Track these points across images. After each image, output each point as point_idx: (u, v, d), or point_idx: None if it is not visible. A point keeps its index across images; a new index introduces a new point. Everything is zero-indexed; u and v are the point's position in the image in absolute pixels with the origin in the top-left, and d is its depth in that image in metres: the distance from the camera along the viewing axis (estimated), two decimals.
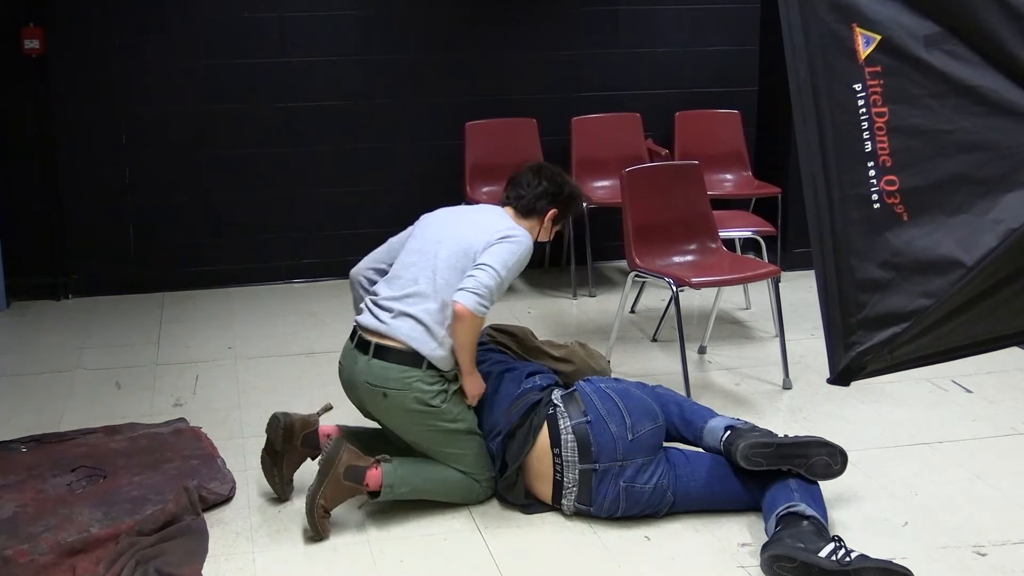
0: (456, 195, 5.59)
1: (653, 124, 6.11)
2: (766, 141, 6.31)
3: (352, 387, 3.33)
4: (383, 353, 3.21)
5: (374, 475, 3.21)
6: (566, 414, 3.22)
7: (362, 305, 3.40)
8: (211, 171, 5.75)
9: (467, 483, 3.32)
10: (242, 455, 3.78)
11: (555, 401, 3.26)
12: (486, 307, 3.16)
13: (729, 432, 3.24)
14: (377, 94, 5.87)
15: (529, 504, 3.31)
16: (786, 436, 3.22)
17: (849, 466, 3.25)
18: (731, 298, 5.51)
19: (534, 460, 3.25)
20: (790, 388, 4.39)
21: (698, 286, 4.34)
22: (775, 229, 5.29)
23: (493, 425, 3.34)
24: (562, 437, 3.20)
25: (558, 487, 3.23)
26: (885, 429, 4.00)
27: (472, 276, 3.18)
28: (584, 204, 5.66)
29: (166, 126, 5.65)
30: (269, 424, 3.39)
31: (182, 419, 4.02)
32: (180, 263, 5.81)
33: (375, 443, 3.44)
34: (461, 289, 3.15)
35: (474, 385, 3.31)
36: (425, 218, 3.48)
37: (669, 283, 4.28)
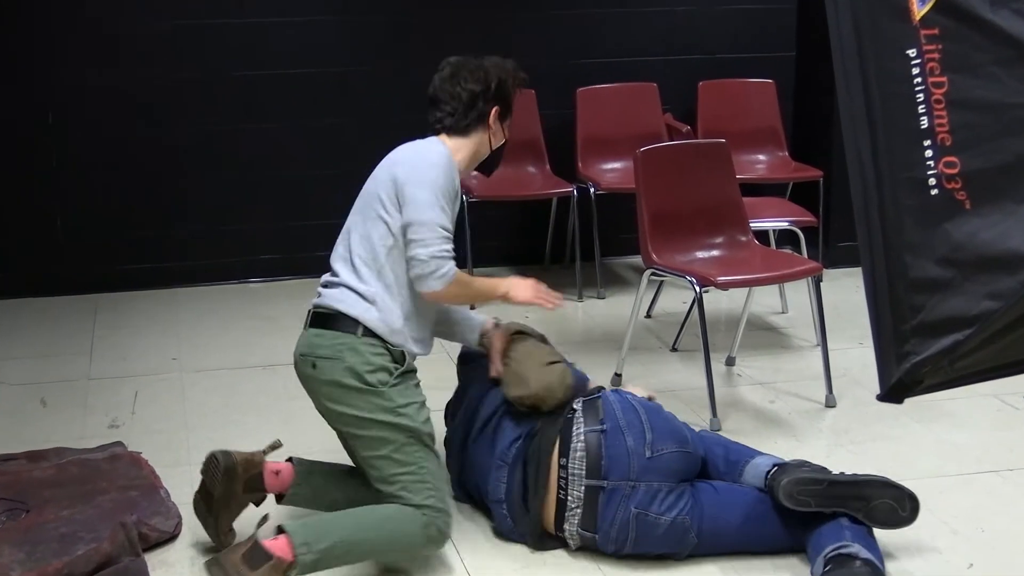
0: None
1: (672, 96, 6.12)
2: (805, 116, 6.32)
3: (298, 376, 3.33)
4: (317, 321, 3.27)
5: (279, 544, 3.00)
6: (581, 419, 3.25)
7: None
8: (154, 152, 5.75)
9: (408, 519, 3.12)
10: (189, 485, 3.76)
11: (574, 405, 3.30)
12: (448, 265, 3.14)
13: (775, 468, 3.26)
14: (352, 60, 5.87)
15: (539, 536, 3.32)
16: (843, 473, 3.22)
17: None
18: (764, 300, 5.52)
19: (551, 461, 3.30)
20: (834, 406, 4.40)
21: (725, 286, 4.33)
22: (816, 219, 5.29)
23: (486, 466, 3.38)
24: (572, 444, 3.22)
25: (561, 507, 3.24)
26: (946, 454, 4.01)
27: (411, 256, 3.15)
28: (591, 189, 5.67)
29: (100, 100, 5.65)
30: (206, 465, 3.32)
31: (119, 443, 4.02)
32: (117, 259, 5.81)
33: (338, 484, 3.40)
34: (413, 274, 3.16)
35: (519, 287, 3.38)
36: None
37: (691, 283, 4.28)
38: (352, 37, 5.85)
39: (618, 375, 4.55)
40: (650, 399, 3.51)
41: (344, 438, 3.37)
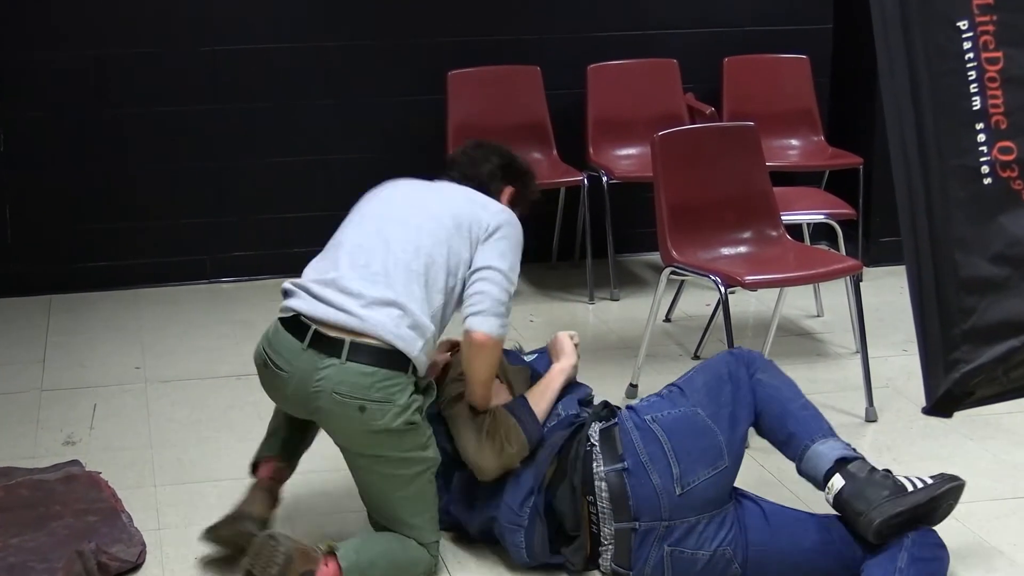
0: (436, 166, 5.59)
1: (694, 73, 6.11)
2: (844, 96, 6.30)
3: (301, 400, 3.27)
4: (359, 354, 3.18)
5: (328, 574, 3.15)
6: (600, 456, 3.26)
7: (292, 286, 3.36)
8: (114, 137, 5.75)
9: (418, 553, 3.31)
10: (154, 509, 3.78)
11: (591, 438, 3.30)
12: (506, 328, 3.27)
13: (840, 477, 3.21)
14: (332, 35, 5.87)
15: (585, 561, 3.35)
16: (914, 484, 3.22)
17: (957, 525, 3.26)
18: (797, 302, 5.51)
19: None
20: (875, 420, 4.39)
21: (754, 286, 4.32)
22: (855, 212, 5.28)
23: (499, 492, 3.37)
24: (595, 484, 3.24)
25: (595, 540, 3.29)
26: (1002, 475, 3.99)
27: (480, 291, 3.25)
28: (604, 178, 5.67)
29: (54, 78, 5.65)
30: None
31: (75, 462, 4.02)
32: (73, 257, 5.81)
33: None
34: (473, 310, 3.23)
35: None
36: (371, 196, 3.52)
37: (716, 282, 4.27)
38: (334, 10, 5.84)
39: (633, 386, 4.55)
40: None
41: (362, 474, 3.32)
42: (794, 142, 6.05)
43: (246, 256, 5.96)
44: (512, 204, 3.54)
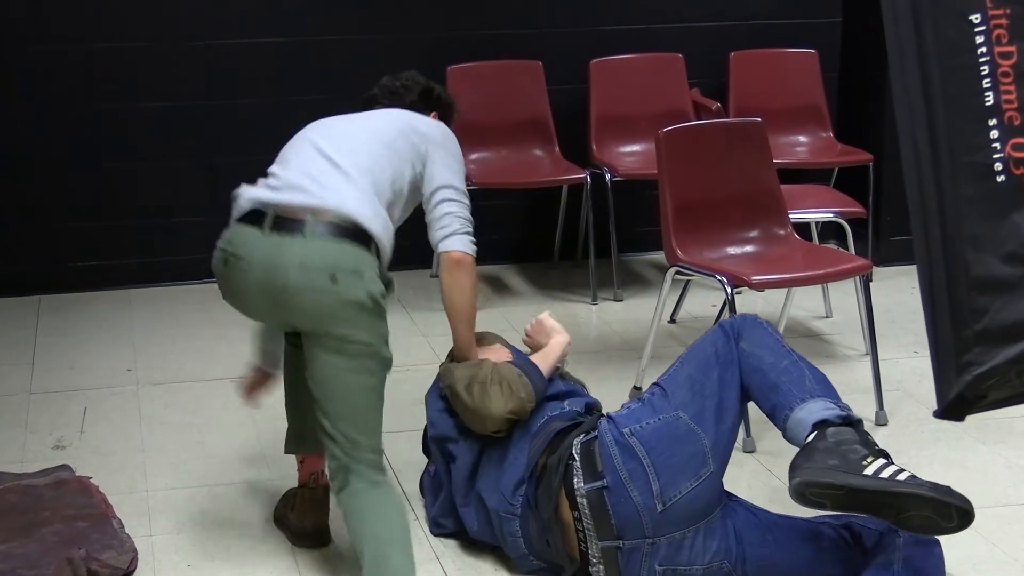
0: None
1: (700, 68, 6.11)
2: (853, 91, 6.30)
3: (266, 286, 3.22)
4: (322, 229, 3.21)
5: None
6: (580, 472, 3.24)
7: (241, 191, 3.40)
8: (103, 132, 5.74)
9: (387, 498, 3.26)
10: (146, 515, 3.78)
11: (573, 451, 3.28)
12: (475, 245, 3.44)
13: (812, 436, 3.09)
14: (330, 29, 5.87)
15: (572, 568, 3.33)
16: (883, 471, 3.01)
17: (968, 530, 3.20)
18: (805, 303, 5.52)
19: (563, 509, 3.29)
20: (885, 424, 4.40)
21: (761, 286, 4.33)
22: (865, 210, 5.28)
23: (495, 485, 3.38)
24: (577, 501, 3.23)
25: (584, 559, 3.27)
26: (1017, 480, 4.00)
27: (447, 213, 3.43)
28: (607, 175, 5.67)
29: (44, 72, 5.65)
30: None
31: (65, 466, 4.02)
32: (62, 256, 5.81)
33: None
34: (445, 232, 3.40)
35: (492, 351, 3.53)
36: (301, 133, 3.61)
37: (722, 283, 4.28)
38: (332, 4, 5.84)
39: (637, 388, 4.55)
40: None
41: (322, 369, 3.24)
42: (802, 138, 6.06)
43: None
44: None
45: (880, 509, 2.97)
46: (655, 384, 3.35)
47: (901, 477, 2.98)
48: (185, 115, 5.78)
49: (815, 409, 3.15)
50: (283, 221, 3.23)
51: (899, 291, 5.67)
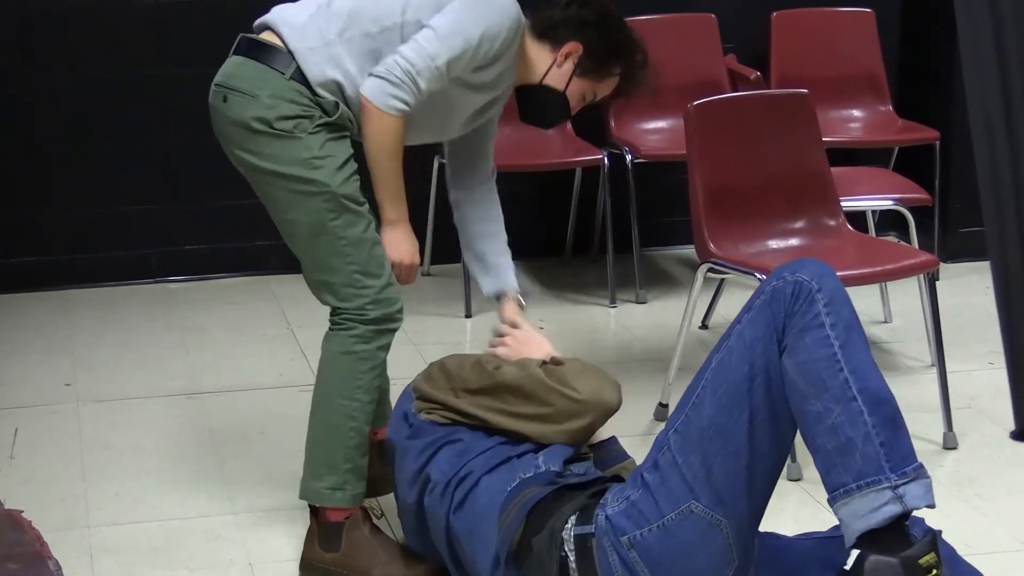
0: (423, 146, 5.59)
1: (736, 31, 6.13)
2: (916, 58, 6.30)
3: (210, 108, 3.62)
4: (243, 46, 3.59)
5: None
6: (577, 574, 3.06)
7: None
8: (40, 107, 5.75)
9: (345, 369, 3.55)
10: (87, 554, 3.77)
11: (565, 544, 3.08)
12: (403, 101, 3.42)
13: (852, 564, 2.87)
14: None
15: None
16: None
17: None
18: (861, 306, 5.31)
19: None
20: (955, 447, 4.38)
21: None
22: (930, 197, 5.29)
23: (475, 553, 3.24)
24: None
25: None
26: None
27: (398, 51, 3.45)
28: (628, 156, 5.65)
29: None
30: None
31: None
32: None
33: None
34: (378, 72, 3.44)
35: (399, 239, 3.55)
36: None
37: (762, 280, 4.25)
38: None
39: (663, 406, 4.53)
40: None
41: (257, 190, 3.60)
42: (856, 113, 6.07)
43: (199, 251, 5.95)
44: (576, 69, 3.65)
45: None
46: (663, 439, 3.06)
47: None
48: (134, 88, 5.79)
49: (861, 511, 2.86)
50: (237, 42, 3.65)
51: (970, 291, 5.67)
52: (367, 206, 3.52)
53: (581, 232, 6.17)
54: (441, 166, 5.68)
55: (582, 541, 3.05)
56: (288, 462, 3.70)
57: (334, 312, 3.54)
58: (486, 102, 3.67)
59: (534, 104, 3.75)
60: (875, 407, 2.89)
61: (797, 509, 3.98)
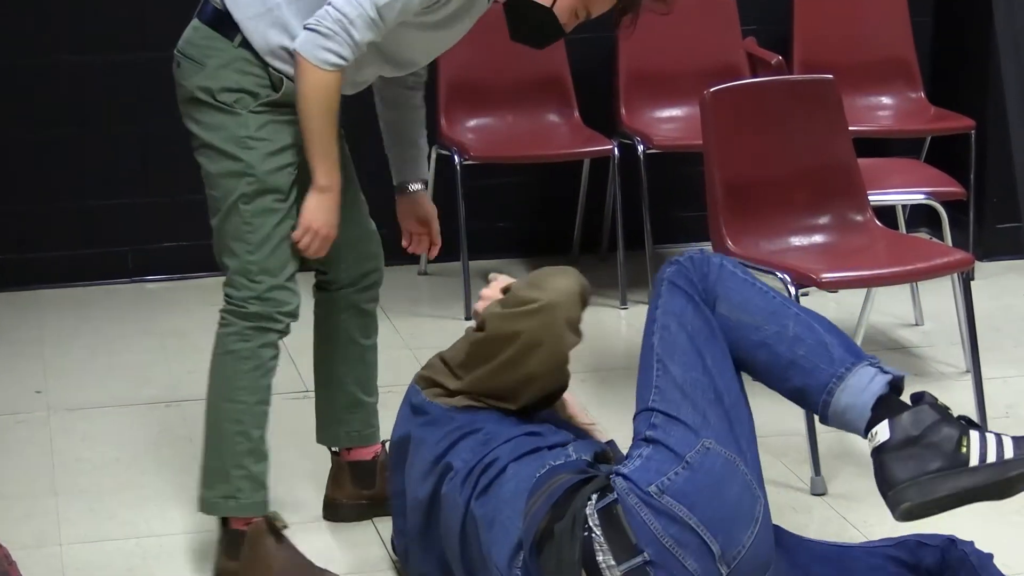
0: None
1: (756, 12, 6.15)
2: (950, 41, 6.29)
3: None
4: (201, 10, 3.64)
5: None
6: (606, 546, 3.09)
7: None
8: (8, 93, 5.75)
9: (220, 360, 3.69)
10: (59, 573, 3.78)
11: (589, 520, 3.13)
12: (336, 54, 3.42)
13: (887, 430, 3.09)
14: None
15: None
16: (992, 456, 3.08)
17: None
18: (890, 307, 5.51)
19: None
20: None
21: (833, 286, 4.34)
22: (964, 191, 5.28)
23: (492, 545, 3.23)
24: None
25: None
26: None
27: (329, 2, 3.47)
28: (640, 147, 5.65)
29: None
30: None
31: None
32: None
33: None
34: (311, 26, 3.45)
35: (321, 206, 3.56)
36: None
37: (784, 281, 4.26)
38: None
39: None
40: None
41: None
42: (885, 100, 6.07)
43: (178, 248, 5.96)
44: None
45: (990, 496, 3.10)
46: (646, 410, 3.20)
47: (1007, 452, 3.07)
48: (110, 73, 5.78)
49: (861, 385, 3.15)
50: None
51: (1007, 292, 5.69)
52: (292, 202, 3.58)
53: (589, 228, 6.18)
54: (437, 158, 5.73)
55: (607, 512, 3.10)
56: (274, 474, 3.69)
57: (225, 285, 3.64)
58: (462, 34, 3.66)
59: (526, 21, 3.63)
60: (817, 316, 3.26)
61: (822, 526, 3.99)
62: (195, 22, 3.61)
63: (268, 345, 3.62)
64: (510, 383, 3.38)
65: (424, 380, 3.50)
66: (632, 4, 3.76)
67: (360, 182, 3.87)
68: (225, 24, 3.53)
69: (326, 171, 3.53)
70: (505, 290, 3.46)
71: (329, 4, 3.41)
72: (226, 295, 3.63)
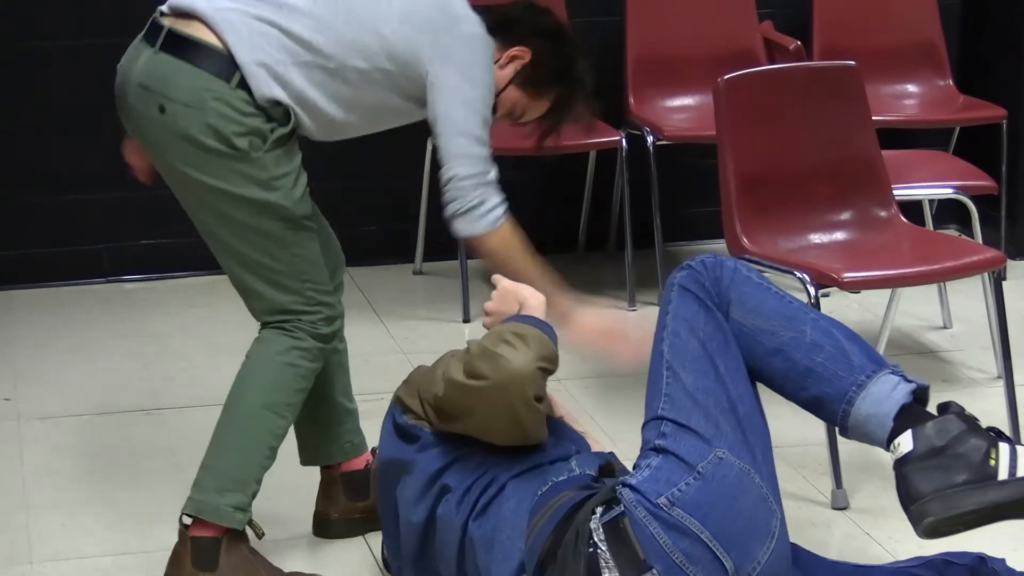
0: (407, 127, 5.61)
1: None
2: (980, 25, 6.32)
3: (122, 99, 3.63)
4: (179, 46, 3.51)
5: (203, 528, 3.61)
6: (612, 563, 3.09)
7: None
8: None
9: (280, 368, 3.64)
10: None
11: (594, 535, 3.13)
12: (494, 208, 3.62)
13: (910, 440, 3.10)
14: None
15: None
16: (1012, 467, 3.08)
17: None
18: (916, 309, 5.52)
19: None
20: None
21: (856, 286, 4.44)
22: (996, 184, 5.29)
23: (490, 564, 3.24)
24: None
25: None
26: None
27: (448, 178, 3.57)
28: (649, 138, 5.60)
29: None
30: None
31: None
32: None
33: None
34: (450, 212, 3.56)
35: (594, 320, 3.73)
36: None
37: (803, 281, 4.25)
38: None
39: None
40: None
41: (189, 204, 3.69)
42: (911, 88, 6.11)
43: (157, 246, 5.96)
44: (515, 77, 3.73)
45: (1019, 512, 3.07)
46: (656, 418, 3.24)
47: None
48: (86, 59, 5.75)
49: (883, 393, 3.18)
50: (152, 27, 3.59)
51: None
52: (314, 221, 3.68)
53: (595, 224, 6.20)
54: (434, 149, 5.68)
55: (613, 525, 3.11)
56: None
57: (284, 313, 3.61)
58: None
59: None
60: (835, 323, 3.29)
61: (844, 542, 4.01)
62: (169, 59, 3.51)
63: (317, 372, 3.67)
64: (482, 440, 3.34)
65: (402, 404, 3.50)
66: (560, 120, 3.93)
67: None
68: (218, 63, 3.50)
69: (557, 293, 3.60)
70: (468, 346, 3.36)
71: (452, 174, 3.57)
72: (291, 315, 3.62)
